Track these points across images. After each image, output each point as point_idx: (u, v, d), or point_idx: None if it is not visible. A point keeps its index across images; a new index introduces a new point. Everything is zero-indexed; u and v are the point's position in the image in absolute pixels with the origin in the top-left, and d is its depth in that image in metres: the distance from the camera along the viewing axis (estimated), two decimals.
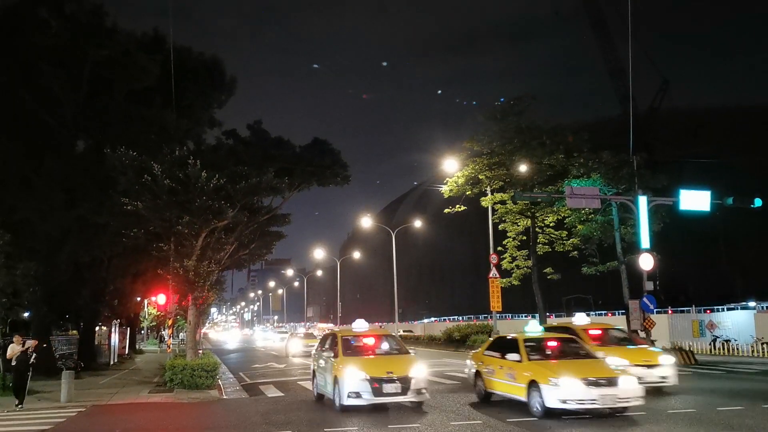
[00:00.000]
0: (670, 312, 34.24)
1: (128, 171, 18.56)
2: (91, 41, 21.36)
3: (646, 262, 23.75)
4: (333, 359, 13.80)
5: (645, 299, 23.71)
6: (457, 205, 33.15)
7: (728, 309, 33.83)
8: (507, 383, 12.91)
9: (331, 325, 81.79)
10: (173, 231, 19.42)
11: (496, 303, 33.35)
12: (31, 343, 16.06)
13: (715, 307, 34.29)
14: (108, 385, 20.66)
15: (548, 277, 32.20)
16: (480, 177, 31.42)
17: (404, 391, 12.76)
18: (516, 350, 12.85)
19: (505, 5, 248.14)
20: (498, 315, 35.85)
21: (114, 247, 24.16)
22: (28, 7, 21.57)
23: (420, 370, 13.15)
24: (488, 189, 32.25)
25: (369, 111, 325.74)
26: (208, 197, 18.59)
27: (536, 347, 13.28)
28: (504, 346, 13.78)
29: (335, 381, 13.27)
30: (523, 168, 29.15)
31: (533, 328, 14.41)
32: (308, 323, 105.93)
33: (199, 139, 27.06)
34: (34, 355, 15.99)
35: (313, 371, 15.70)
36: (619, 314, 34.91)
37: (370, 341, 14.71)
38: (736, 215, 37.17)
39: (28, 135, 22.43)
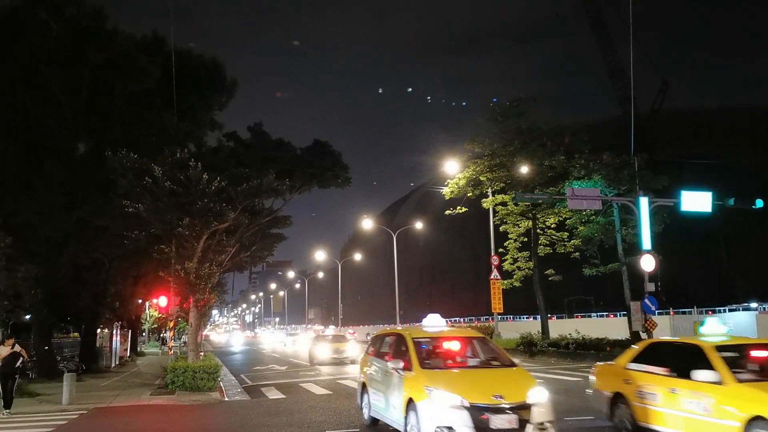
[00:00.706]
0: (671, 313, 34.22)
1: (129, 173, 18.56)
2: (91, 43, 21.40)
3: (648, 263, 23.71)
4: (403, 372, 9.59)
5: (646, 300, 23.65)
6: (458, 207, 33.16)
7: (730, 310, 33.79)
8: (691, 417, 8.41)
9: (332, 328, 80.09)
10: (174, 233, 19.42)
11: (497, 304, 33.35)
12: (19, 349, 15.91)
13: (717, 308, 34.26)
14: (109, 388, 20.66)
15: (549, 278, 32.19)
16: (481, 178, 31.43)
17: (522, 426, 8.43)
18: (705, 364, 8.33)
19: (506, 7, 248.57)
20: (499, 316, 35.92)
21: (115, 250, 24.16)
22: (29, 9, 21.62)
23: (541, 393, 8.82)
24: (489, 190, 32.25)
25: (370, 112, 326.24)
26: (209, 199, 18.59)
27: (736, 360, 8.64)
28: (673, 356, 9.40)
29: (409, 405, 9.18)
30: (524, 169, 29.16)
31: (714, 328, 9.63)
32: (309, 324, 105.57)
33: (200, 142, 27.14)
34: (22, 359, 15.82)
35: (362, 384, 11.85)
36: (620, 315, 34.85)
37: (454, 346, 10.28)
38: (737, 216, 37.12)
39: (28, 137, 22.44)
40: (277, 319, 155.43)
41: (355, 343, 34.10)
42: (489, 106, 34.09)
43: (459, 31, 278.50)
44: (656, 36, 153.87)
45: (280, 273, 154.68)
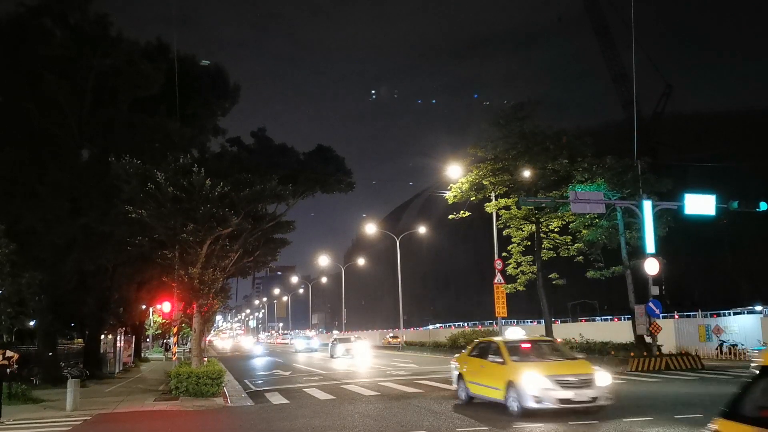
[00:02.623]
0: (676, 317, 34.08)
1: (132, 179, 18.62)
2: (95, 51, 21.52)
3: (652, 266, 23.68)
4: None
5: (651, 304, 23.61)
6: (462, 211, 33.09)
7: (735, 313, 33.65)
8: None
9: (518, 329, 49.30)
10: (178, 239, 19.45)
11: (501, 309, 33.24)
12: (10, 354, 15.91)
13: (722, 312, 34.11)
14: (113, 393, 20.67)
15: (553, 282, 32.08)
16: (484, 182, 31.37)
17: None
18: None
19: (509, 11, 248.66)
20: (503, 321, 35.82)
21: (119, 256, 24.22)
22: (33, 17, 21.74)
23: None
24: (492, 194, 32.20)
25: (373, 117, 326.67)
26: (212, 205, 18.62)
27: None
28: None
29: None
30: (527, 173, 29.12)
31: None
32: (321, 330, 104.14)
33: (204, 147, 27.20)
34: (6, 365, 15.74)
35: None
36: (625, 319, 34.76)
37: None
38: (742, 219, 37.03)
39: (33, 145, 22.56)
40: (281, 324, 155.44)
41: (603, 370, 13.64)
42: (492, 110, 34.11)
43: (462, 35, 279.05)
44: (660, 40, 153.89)
45: (279, 273, 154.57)
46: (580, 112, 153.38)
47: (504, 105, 32.73)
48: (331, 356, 40.57)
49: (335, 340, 42.81)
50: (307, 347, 54.15)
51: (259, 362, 39.47)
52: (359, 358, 37.76)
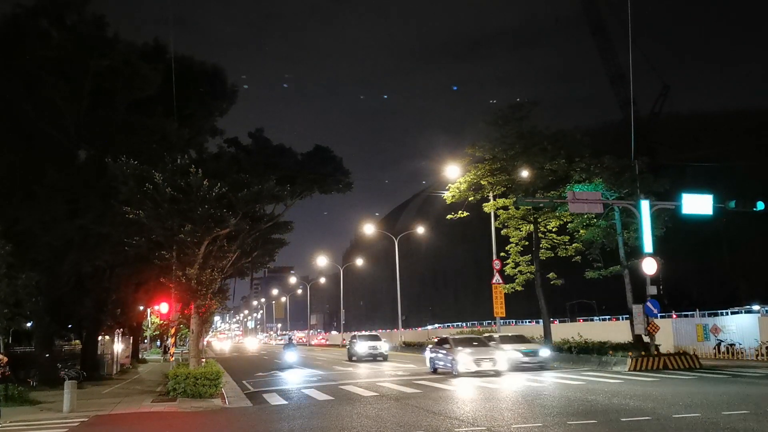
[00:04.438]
0: (674, 316, 34.14)
1: (130, 180, 18.60)
2: (92, 52, 21.47)
3: (649, 266, 23.71)
4: None
5: (648, 303, 23.65)
6: (460, 211, 33.09)
7: (732, 313, 33.69)
8: None
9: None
10: (175, 239, 19.42)
11: (499, 309, 33.25)
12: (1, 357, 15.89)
13: (719, 311, 34.17)
14: (111, 395, 20.63)
15: (551, 282, 32.08)
16: (482, 183, 31.37)
17: None
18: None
19: (507, 12, 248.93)
20: (501, 321, 35.83)
21: (116, 257, 24.18)
22: (29, 18, 21.69)
23: None
24: (490, 195, 32.21)
25: (371, 118, 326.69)
26: (210, 205, 18.61)
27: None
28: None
29: None
30: (524, 173, 29.12)
31: None
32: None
33: (201, 148, 27.18)
34: None
35: None
36: (623, 319, 34.79)
37: None
38: (738, 219, 37.16)
39: (30, 147, 22.53)
40: (279, 325, 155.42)
41: None
42: (490, 110, 34.13)
43: (461, 36, 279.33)
44: (658, 41, 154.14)
45: (279, 272, 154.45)
46: (578, 113, 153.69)
47: (500, 106, 32.51)
48: (434, 371, 24.35)
49: (441, 341, 25.43)
50: (372, 352, 36.40)
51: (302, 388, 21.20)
52: (510, 380, 19.70)
